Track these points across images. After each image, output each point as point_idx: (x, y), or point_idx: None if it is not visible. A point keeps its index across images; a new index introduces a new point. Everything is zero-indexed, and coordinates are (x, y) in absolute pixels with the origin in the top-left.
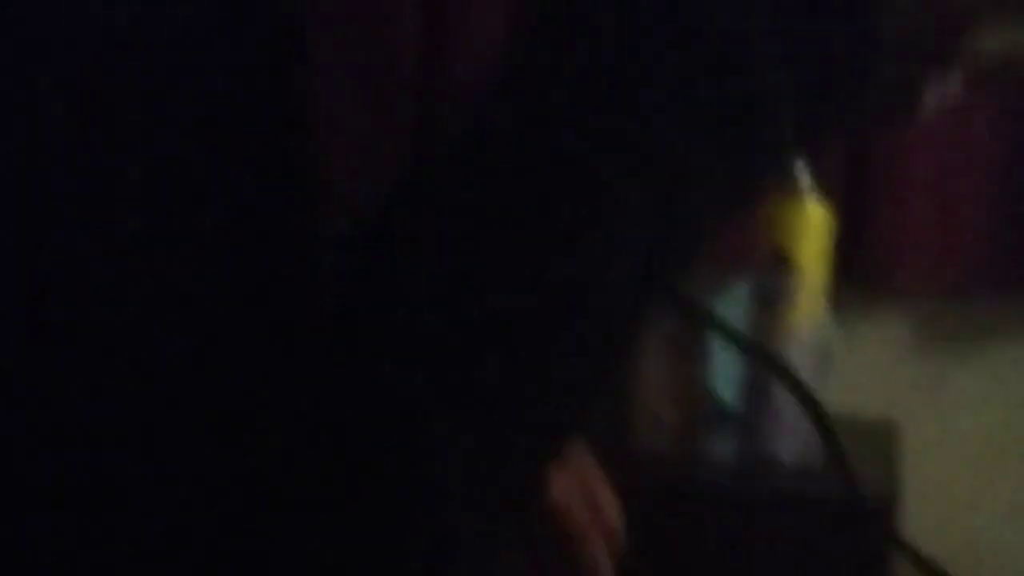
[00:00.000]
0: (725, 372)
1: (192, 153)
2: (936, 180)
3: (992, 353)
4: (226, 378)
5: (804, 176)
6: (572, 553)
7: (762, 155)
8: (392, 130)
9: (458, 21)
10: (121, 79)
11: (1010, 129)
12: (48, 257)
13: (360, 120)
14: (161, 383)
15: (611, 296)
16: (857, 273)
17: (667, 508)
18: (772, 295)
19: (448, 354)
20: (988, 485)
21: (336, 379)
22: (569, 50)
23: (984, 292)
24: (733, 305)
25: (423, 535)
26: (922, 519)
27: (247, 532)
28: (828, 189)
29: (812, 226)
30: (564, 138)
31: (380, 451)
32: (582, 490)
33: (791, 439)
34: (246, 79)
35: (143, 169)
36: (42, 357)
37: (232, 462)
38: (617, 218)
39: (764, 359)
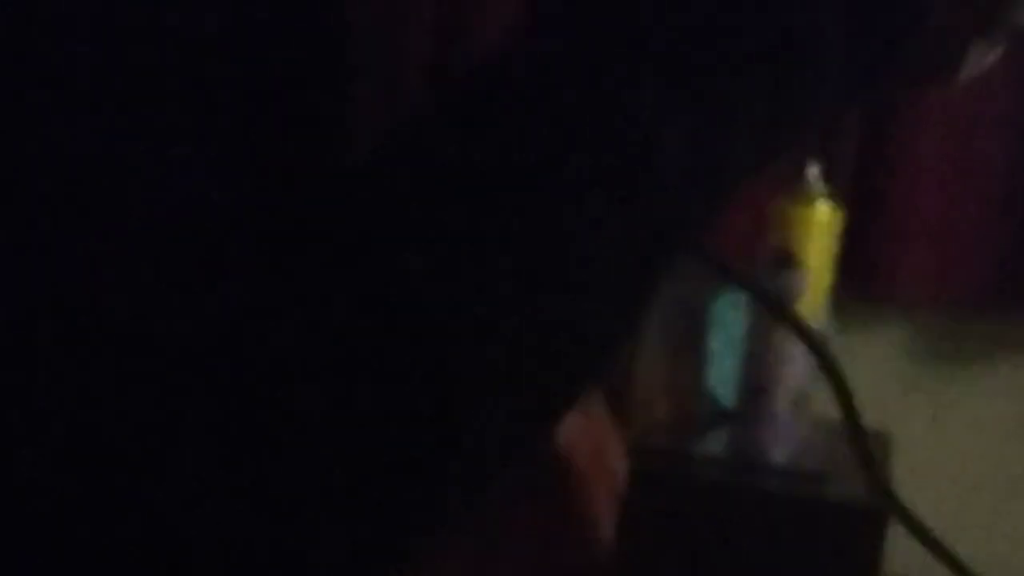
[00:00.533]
0: (723, 373)
1: (220, 80)
2: (942, 189)
3: (989, 368)
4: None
5: (815, 174)
6: (575, 501)
7: (804, 100)
8: (414, 64)
9: None
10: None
11: (1018, 146)
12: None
13: (384, 57)
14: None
15: (643, 237)
16: (858, 279)
17: (661, 504)
18: (776, 294)
19: (457, 309)
20: (978, 498)
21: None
22: None
23: (984, 306)
24: (736, 302)
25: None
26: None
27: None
28: (836, 192)
29: (820, 226)
30: (598, 73)
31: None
32: (591, 440)
33: (786, 441)
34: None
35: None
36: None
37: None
38: (654, 155)
39: (779, 310)
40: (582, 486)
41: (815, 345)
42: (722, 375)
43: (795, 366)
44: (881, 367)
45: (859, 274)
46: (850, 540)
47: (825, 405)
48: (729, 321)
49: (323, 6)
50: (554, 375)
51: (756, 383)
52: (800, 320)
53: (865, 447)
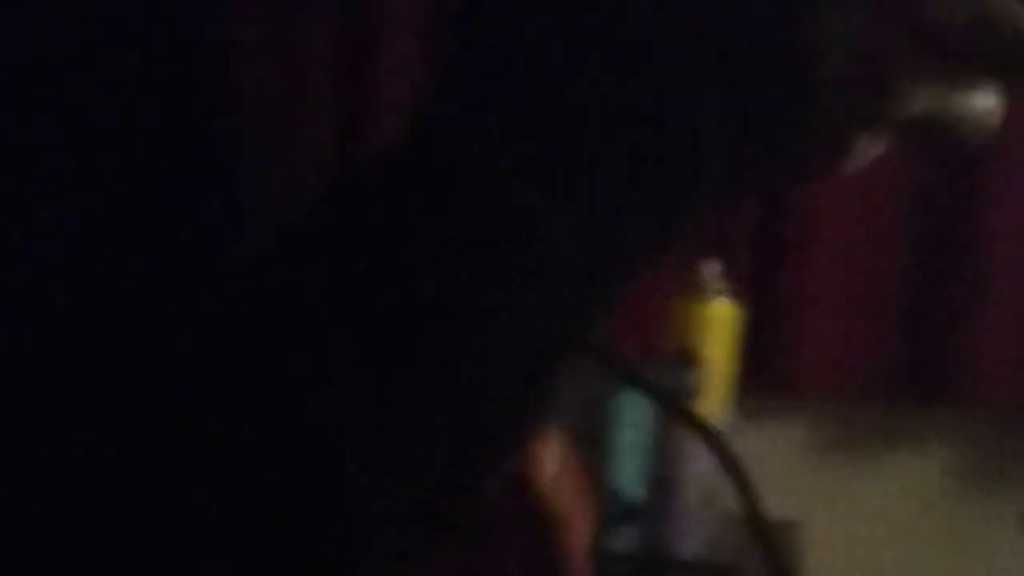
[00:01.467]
0: (629, 469)
1: (108, 159)
2: (842, 283)
3: (892, 455)
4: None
5: (713, 271)
6: (555, 536)
7: (689, 192)
8: (310, 149)
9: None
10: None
11: (912, 239)
12: None
13: (280, 139)
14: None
15: (534, 330)
16: (761, 373)
17: None
18: (675, 392)
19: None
20: None
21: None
22: (499, 81)
23: (885, 394)
24: (635, 401)
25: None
26: None
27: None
28: (736, 288)
29: (720, 323)
30: (493, 163)
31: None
32: (566, 474)
33: (696, 535)
34: (170, 91)
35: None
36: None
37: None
38: (547, 250)
39: (673, 408)
40: (563, 519)
41: (712, 441)
42: (629, 471)
43: (702, 461)
44: (787, 459)
45: (761, 367)
46: None
47: (733, 500)
48: (634, 417)
49: (213, 79)
50: (448, 473)
51: (663, 478)
52: (695, 418)
53: (768, 540)
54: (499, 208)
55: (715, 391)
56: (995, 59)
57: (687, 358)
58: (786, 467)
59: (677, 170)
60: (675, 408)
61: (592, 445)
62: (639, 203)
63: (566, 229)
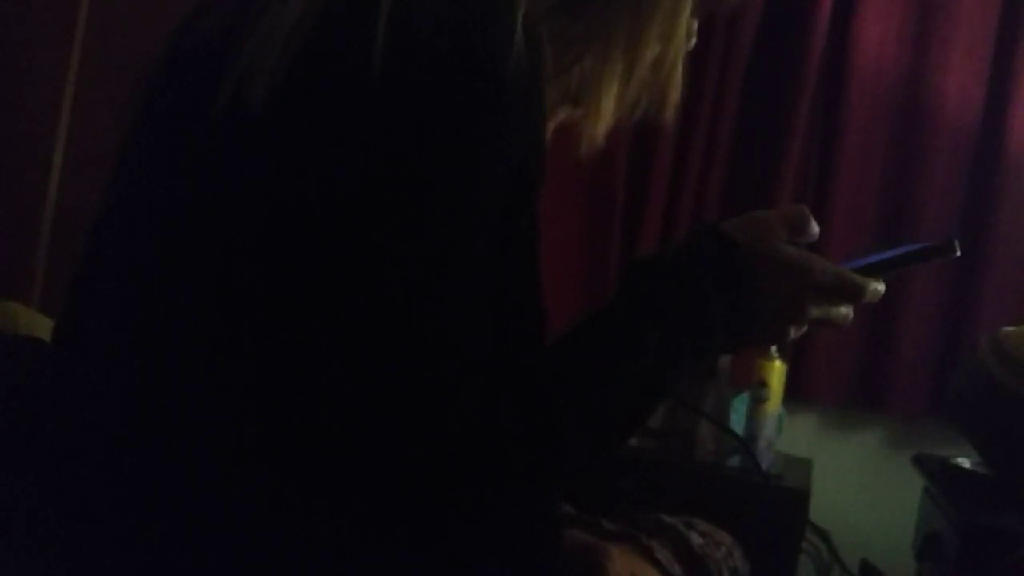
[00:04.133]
0: (738, 426)
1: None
2: None
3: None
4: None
5: (772, 347)
6: None
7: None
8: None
9: None
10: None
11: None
12: None
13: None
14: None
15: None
16: (794, 392)
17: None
18: (758, 399)
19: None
20: (871, 495)
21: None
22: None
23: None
24: (741, 402)
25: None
26: (824, 509)
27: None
28: (782, 352)
29: (776, 368)
30: (638, 361)
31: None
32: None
33: (764, 460)
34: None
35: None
36: None
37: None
38: (658, 399)
39: (723, 428)
40: None
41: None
42: (738, 420)
43: (770, 430)
44: (806, 431)
45: (796, 388)
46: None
47: (781, 446)
48: (740, 400)
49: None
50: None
51: (752, 428)
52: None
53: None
54: (643, 361)
55: (774, 400)
56: (847, 297)
57: (763, 383)
58: (806, 435)
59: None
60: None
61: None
62: (702, 357)
63: (669, 375)
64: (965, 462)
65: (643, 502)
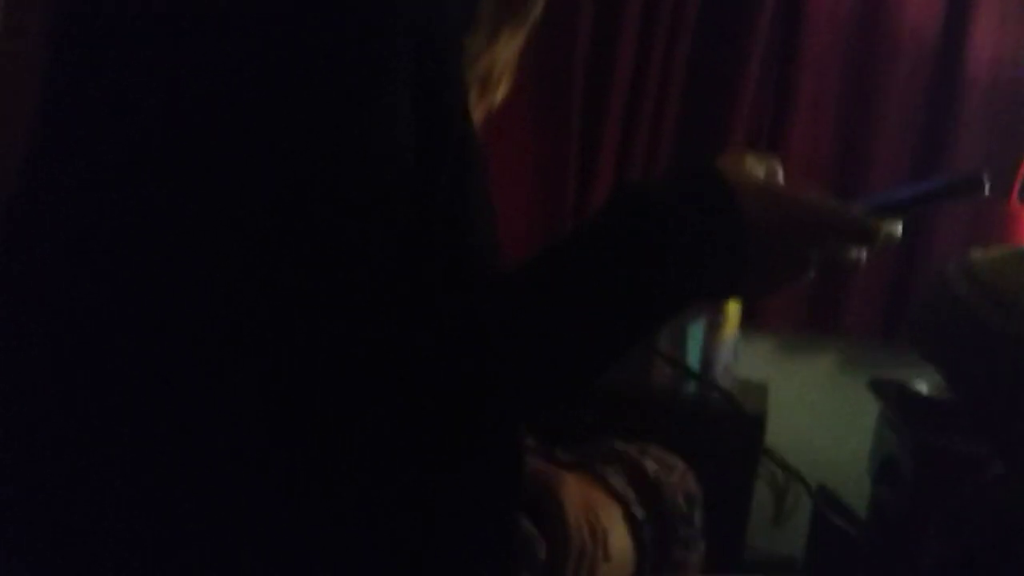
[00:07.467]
0: (694, 351)
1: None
2: None
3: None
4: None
5: None
6: (573, 567)
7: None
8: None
9: None
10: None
11: None
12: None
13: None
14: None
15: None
16: (749, 318)
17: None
18: (714, 325)
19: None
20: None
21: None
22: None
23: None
24: (697, 329)
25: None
26: (780, 434)
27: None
28: None
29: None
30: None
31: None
32: (589, 514)
33: (722, 382)
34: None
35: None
36: None
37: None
38: (642, 322)
39: (678, 364)
40: (580, 553)
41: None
42: (693, 354)
43: (725, 354)
44: (761, 355)
45: (750, 313)
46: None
47: (737, 373)
48: (696, 330)
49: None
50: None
51: (708, 358)
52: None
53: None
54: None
55: (730, 325)
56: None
57: (720, 310)
58: (761, 359)
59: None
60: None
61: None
62: (703, 289)
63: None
64: (922, 386)
65: (599, 431)
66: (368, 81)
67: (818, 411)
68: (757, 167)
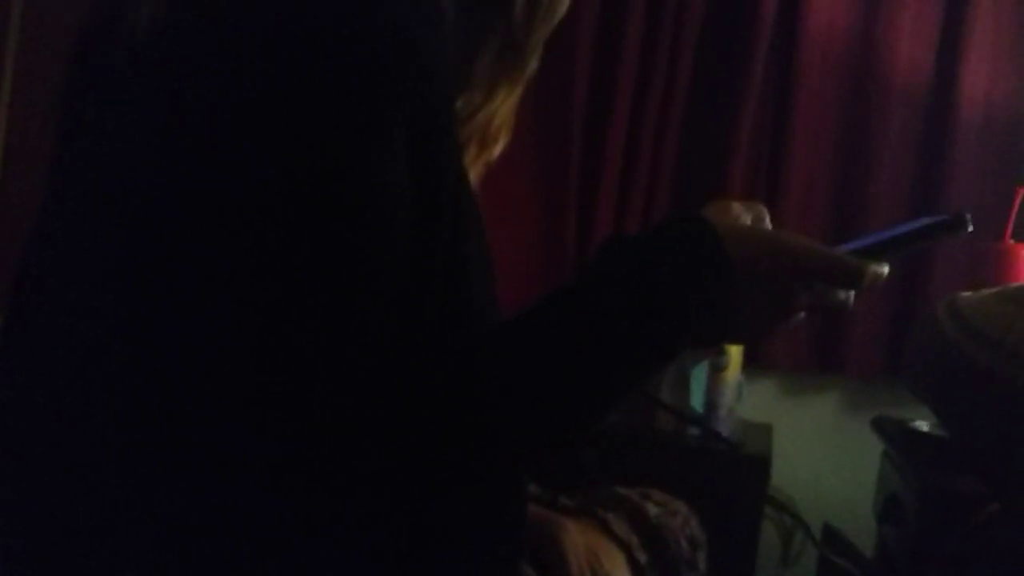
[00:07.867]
0: (697, 393)
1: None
2: None
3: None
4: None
5: None
6: None
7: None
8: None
9: None
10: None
11: None
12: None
13: None
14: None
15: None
16: (752, 359)
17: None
18: (717, 367)
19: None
20: (828, 461)
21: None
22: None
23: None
24: (700, 371)
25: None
26: (785, 474)
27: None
28: None
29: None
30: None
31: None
32: (591, 560)
33: (724, 427)
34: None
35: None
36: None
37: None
38: (641, 369)
39: (680, 414)
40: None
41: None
42: (697, 395)
43: (729, 396)
44: (766, 397)
45: (755, 354)
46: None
47: (742, 413)
48: (699, 374)
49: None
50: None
51: (711, 404)
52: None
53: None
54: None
55: (734, 367)
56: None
57: (723, 352)
58: (765, 401)
59: (703, 341)
60: (681, 414)
61: (679, 382)
62: (691, 340)
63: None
64: (923, 425)
65: (603, 475)
66: (364, 144)
67: (823, 450)
68: (744, 214)
